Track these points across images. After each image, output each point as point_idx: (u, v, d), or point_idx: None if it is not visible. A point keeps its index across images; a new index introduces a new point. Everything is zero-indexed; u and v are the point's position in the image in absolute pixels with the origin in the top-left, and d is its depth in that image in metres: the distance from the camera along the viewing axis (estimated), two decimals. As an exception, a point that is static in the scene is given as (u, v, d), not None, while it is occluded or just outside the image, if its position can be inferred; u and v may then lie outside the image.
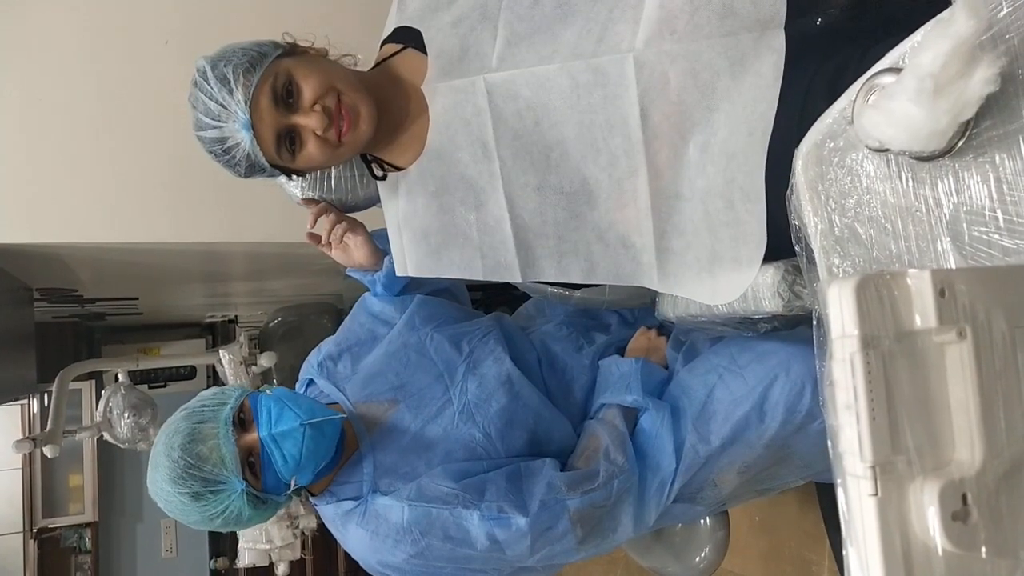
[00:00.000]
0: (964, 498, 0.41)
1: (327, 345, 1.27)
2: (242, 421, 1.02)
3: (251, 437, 1.01)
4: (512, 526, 1.01)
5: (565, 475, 1.07)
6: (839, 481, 0.41)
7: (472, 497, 1.02)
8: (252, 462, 1.01)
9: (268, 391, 1.07)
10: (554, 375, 1.26)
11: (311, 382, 1.24)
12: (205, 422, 1.01)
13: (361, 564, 1.12)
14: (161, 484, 1.01)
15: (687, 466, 1.09)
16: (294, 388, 1.23)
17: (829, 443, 0.42)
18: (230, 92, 0.98)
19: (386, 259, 1.25)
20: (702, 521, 1.51)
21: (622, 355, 1.28)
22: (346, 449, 1.10)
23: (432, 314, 1.28)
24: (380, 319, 1.29)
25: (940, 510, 0.40)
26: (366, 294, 1.35)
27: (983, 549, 0.41)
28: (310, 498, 1.12)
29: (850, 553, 0.42)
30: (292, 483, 1.02)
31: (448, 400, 1.14)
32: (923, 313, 0.42)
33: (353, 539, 1.07)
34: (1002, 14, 0.56)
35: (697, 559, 1.51)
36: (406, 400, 1.15)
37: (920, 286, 0.42)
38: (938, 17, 0.57)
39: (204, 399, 1.07)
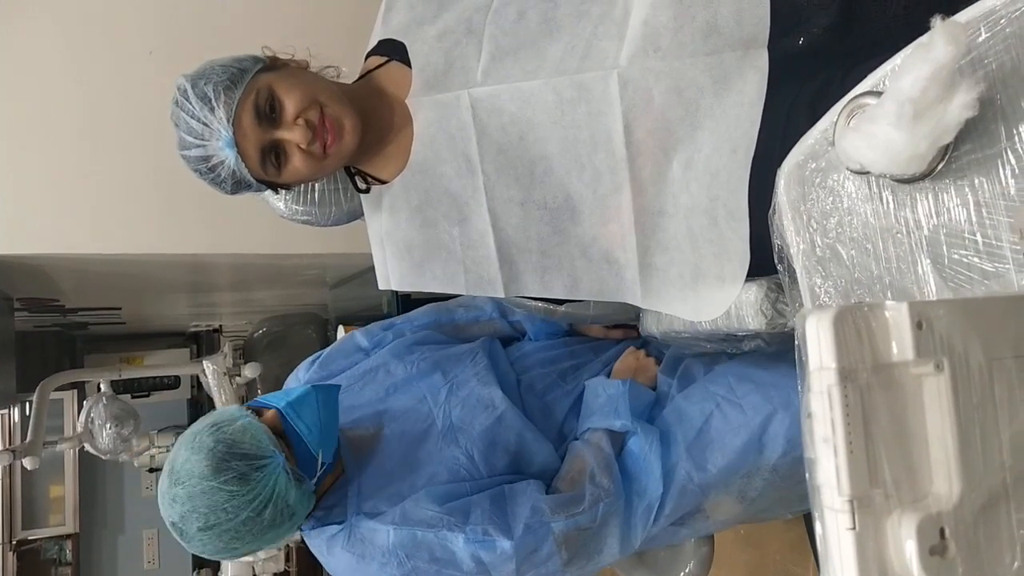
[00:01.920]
0: (942, 532, 0.40)
1: (305, 370, 1.26)
2: (256, 411, 1.02)
3: (270, 414, 1.01)
4: (497, 549, 1.00)
5: (550, 498, 1.05)
6: (817, 514, 0.41)
7: (457, 520, 1.01)
8: (280, 434, 1.00)
9: None
10: (533, 395, 1.24)
11: None
12: (221, 416, 1.00)
13: None
14: (198, 485, 0.93)
15: (679, 492, 1.07)
16: None
17: (807, 475, 0.42)
18: (212, 110, 0.97)
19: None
20: (687, 536, 1.50)
21: (608, 375, 1.27)
22: (333, 470, 1.09)
23: (418, 340, 1.28)
24: (365, 352, 1.29)
25: (918, 544, 0.39)
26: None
27: (961, 583, 0.40)
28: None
29: (828, 586, 0.42)
30: (319, 461, 1.02)
31: (432, 423, 1.13)
32: (901, 345, 0.41)
33: (339, 563, 1.06)
34: (981, 39, 0.57)
35: (682, 574, 1.51)
36: (390, 424, 1.14)
37: (897, 318, 0.41)
38: (918, 41, 0.57)
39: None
